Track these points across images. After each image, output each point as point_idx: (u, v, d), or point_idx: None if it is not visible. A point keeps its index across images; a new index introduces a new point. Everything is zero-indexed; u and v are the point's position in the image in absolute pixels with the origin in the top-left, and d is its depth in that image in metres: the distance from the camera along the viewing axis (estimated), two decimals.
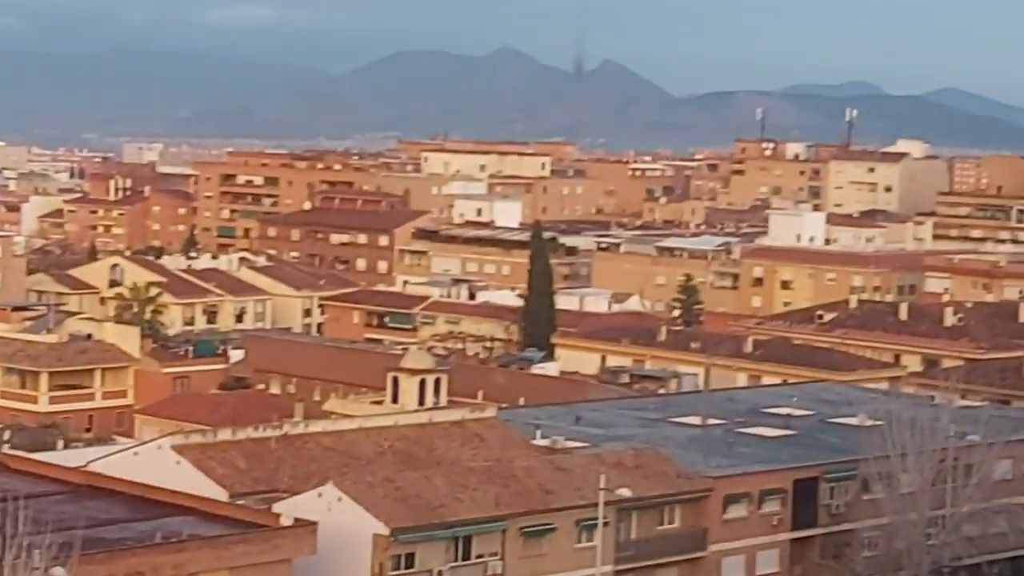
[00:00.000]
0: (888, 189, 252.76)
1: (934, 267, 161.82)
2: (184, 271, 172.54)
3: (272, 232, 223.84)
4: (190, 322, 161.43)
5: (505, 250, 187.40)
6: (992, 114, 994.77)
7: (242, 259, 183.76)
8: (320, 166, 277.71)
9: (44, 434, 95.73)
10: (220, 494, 63.13)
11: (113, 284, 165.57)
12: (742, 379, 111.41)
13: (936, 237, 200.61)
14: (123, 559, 54.73)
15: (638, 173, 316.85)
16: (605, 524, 65.57)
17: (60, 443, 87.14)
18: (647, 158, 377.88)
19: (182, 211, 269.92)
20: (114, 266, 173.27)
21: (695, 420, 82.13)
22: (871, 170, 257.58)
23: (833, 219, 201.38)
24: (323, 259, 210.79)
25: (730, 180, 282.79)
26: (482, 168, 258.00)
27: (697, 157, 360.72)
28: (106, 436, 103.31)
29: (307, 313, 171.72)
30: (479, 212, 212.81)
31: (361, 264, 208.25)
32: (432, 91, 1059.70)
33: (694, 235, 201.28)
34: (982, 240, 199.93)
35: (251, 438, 67.94)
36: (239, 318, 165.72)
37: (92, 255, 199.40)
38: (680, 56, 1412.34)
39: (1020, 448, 79.51)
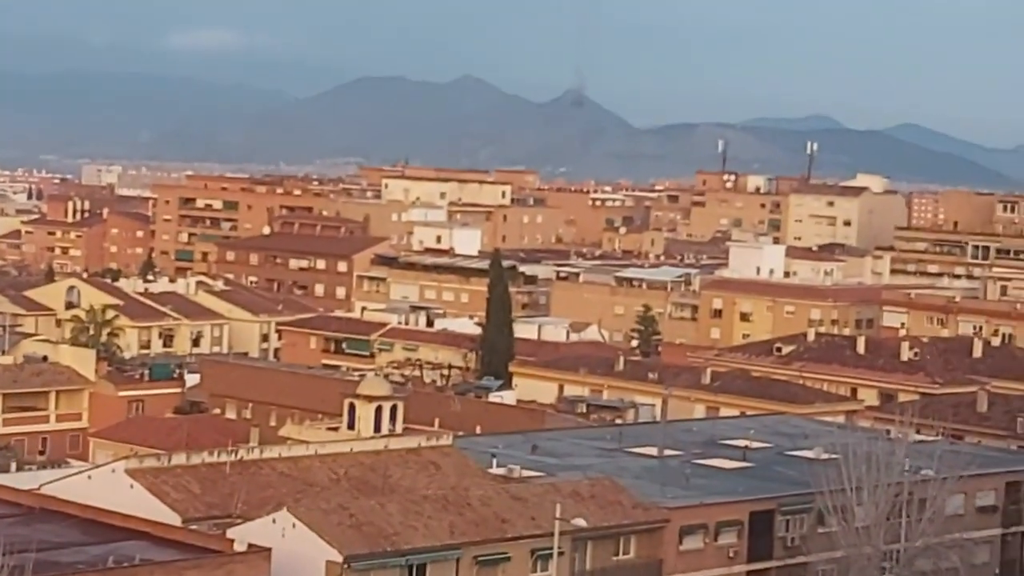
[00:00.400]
0: (847, 223, 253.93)
1: (891, 301, 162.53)
2: (141, 294, 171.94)
3: (230, 256, 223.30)
4: (146, 345, 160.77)
5: (464, 278, 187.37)
6: (950, 150, 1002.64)
7: (200, 283, 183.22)
8: (280, 191, 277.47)
9: None
10: (174, 519, 62.75)
11: (69, 306, 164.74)
12: (700, 410, 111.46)
13: (894, 272, 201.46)
14: None
15: (598, 203, 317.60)
16: (560, 554, 65.40)
17: (13, 465, 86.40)
18: (608, 188, 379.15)
19: (140, 234, 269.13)
20: (71, 288, 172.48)
21: (652, 451, 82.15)
22: (831, 204, 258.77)
23: (792, 252, 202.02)
24: (281, 284, 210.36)
25: (690, 212, 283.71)
26: (442, 195, 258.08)
27: (658, 188, 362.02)
28: (60, 459, 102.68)
29: (264, 338, 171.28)
30: (438, 239, 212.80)
31: (319, 290, 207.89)
32: (393, 118, 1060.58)
33: (653, 266, 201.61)
34: (939, 275, 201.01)
35: (206, 463, 67.58)
36: (196, 342, 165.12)
37: (49, 277, 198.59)
38: (642, 88, 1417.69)
39: (972, 483, 79.76)
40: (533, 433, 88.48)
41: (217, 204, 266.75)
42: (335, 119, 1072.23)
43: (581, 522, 65.80)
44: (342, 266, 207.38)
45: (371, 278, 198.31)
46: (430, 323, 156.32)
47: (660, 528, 70.00)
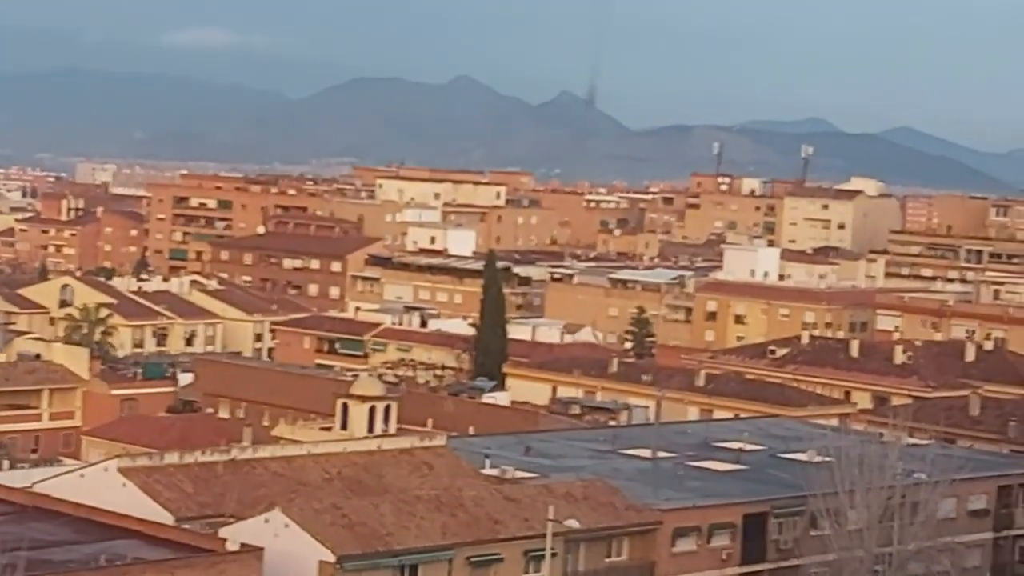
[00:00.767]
0: (841, 226, 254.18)
1: (885, 305, 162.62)
2: (135, 293, 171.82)
3: (224, 256, 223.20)
4: (140, 344, 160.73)
5: (458, 279, 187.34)
6: (944, 154, 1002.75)
7: (194, 282, 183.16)
8: (274, 191, 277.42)
9: None
10: (166, 518, 62.71)
11: (63, 304, 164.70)
12: (693, 413, 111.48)
13: (888, 275, 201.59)
14: None
15: (593, 205, 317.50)
16: (553, 555, 65.41)
17: (6, 463, 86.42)
18: (602, 190, 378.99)
19: (134, 233, 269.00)
20: (64, 286, 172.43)
21: (645, 453, 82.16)
22: (825, 207, 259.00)
23: (787, 255, 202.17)
24: (275, 284, 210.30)
25: (685, 214, 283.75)
26: (436, 196, 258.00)
27: (652, 190, 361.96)
28: (52, 457, 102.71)
29: (258, 337, 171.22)
30: (433, 240, 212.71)
31: (313, 290, 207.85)
32: (388, 118, 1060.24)
33: (648, 268, 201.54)
34: (932, 279, 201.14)
35: (198, 462, 67.54)
36: (189, 341, 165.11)
37: (43, 275, 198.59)
38: (638, 90, 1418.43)
39: (964, 487, 79.88)
40: (526, 434, 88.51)
41: (211, 203, 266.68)
42: (330, 119, 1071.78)
43: (574, 523, 65.78)
44: (336, 266, 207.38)
45: (365, 278, 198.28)
46: (424, 324, 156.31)
47: (653, 530, 70.02)
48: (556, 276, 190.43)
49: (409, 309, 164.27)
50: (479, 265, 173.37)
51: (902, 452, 76.62)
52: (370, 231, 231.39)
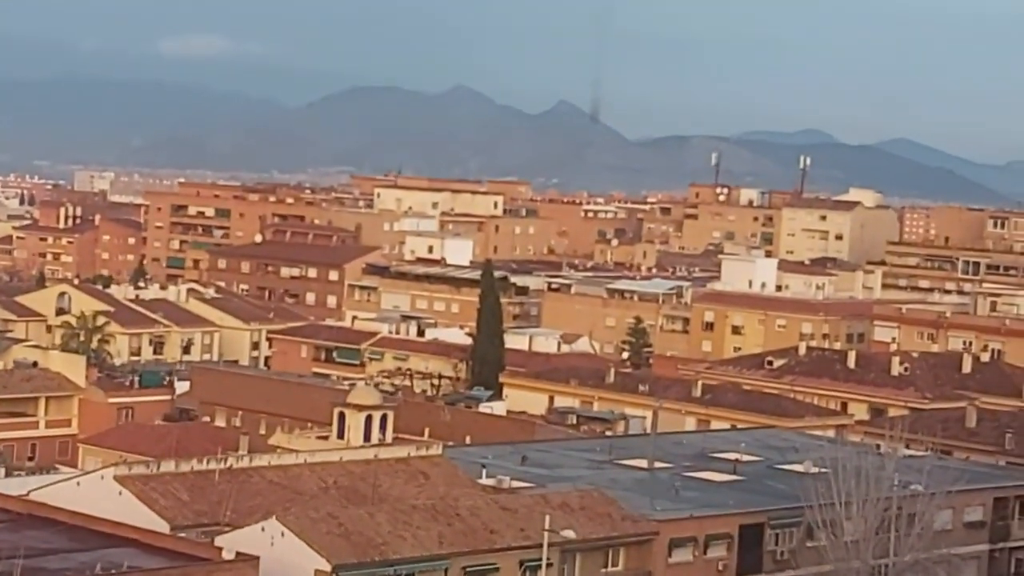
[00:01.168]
0: (839, 237, 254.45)
1: (882, 316, 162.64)
2: (132, 301, 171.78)
3: (222, 264, 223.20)
4: (137, 352, 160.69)
5: (455, 288, 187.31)
6: (942, 165, 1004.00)
7: (191, 290, 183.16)
8: (272, 199, 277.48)
9: None
10: (162, 526, 62.66)
11: (60, 312, 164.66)
12: (690, 423, 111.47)
13: (885, 286, 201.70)
14: None
15: (590, 215, 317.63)
16: (549, 565, 65.35)
17: (2, 471, 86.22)
18: (600, 200, 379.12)
19: (132, 241, 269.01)
20: (62, 294, 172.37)
21: (642, 463, 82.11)
22: (823, 218, 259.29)
23: (785, 266, 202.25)
24: (272, 292, 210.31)
25: (683, 224, 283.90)
26: (434, 205, 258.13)
27: (650, 200, 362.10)
28: (49, 465, 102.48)
29: (255, 346, 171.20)
30: (430, 249, 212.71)
31: (310, 298, 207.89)
32: (386, 127, 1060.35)
33: (645, 278, 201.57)
34: (929, 290, 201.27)
35: (195, 470, 67.49)
36: (186, 349, 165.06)
37: (40, 282, 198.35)
38: (636, 100, 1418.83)
39: (961, 498, 79.86)
40: (523, 444, 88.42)
41: (209, 212, 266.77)
42: (327, 128, 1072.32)
43: (570, 534, 65.75)
44: (333, 275, 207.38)
45: (362, 287, 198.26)
46: (421, 333, 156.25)
47: (649, 541, 69.96)
48: (553, 286, 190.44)
49: (406, 318, 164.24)
50: (476, 274, 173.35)
51: (899, 464, 76.61)
52: (367, 240, 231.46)
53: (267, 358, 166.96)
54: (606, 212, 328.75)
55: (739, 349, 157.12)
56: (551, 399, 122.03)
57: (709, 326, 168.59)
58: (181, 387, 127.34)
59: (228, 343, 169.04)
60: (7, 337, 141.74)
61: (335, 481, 69.67)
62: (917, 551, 74.30)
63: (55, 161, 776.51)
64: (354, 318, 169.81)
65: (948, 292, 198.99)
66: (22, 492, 67.69)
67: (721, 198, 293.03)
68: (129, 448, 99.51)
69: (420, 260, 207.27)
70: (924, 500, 74.87)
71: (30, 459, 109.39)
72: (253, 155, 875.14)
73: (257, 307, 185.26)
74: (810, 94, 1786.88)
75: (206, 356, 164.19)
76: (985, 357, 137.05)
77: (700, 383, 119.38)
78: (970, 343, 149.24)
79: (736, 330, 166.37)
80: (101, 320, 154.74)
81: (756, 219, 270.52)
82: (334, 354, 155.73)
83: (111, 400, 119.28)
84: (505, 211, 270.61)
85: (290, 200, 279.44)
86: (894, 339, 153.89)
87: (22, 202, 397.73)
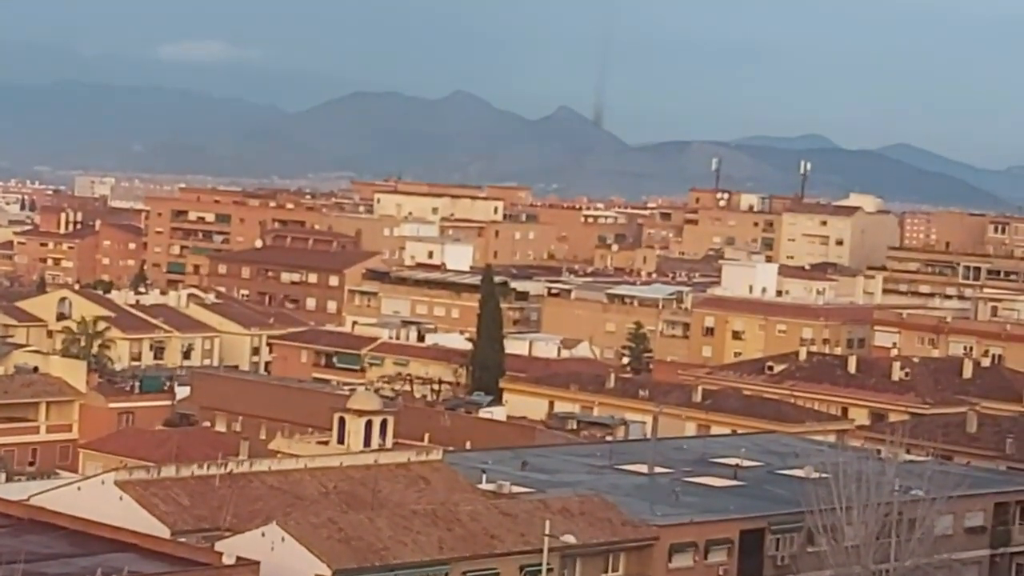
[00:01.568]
0: (840, 242, 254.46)
1: (883, 321, 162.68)
2: (133, 306, 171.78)
3: (222, 269, 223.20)
4: (137, 357, 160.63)
5: (455, 293, 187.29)
6: (943, 170, 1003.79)
7: (191, 295, 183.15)
8: (272, 205, 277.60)
9: None
10: (162, 531, 62.66)
11: (61, 317, 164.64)
12: (691, 428, 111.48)
13: (886, 291, 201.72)
14: None
15: (591, 220, 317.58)
16: (549, 570, 65.33)
17: (3, 476, 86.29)
18: (600, 205, 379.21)
19: (132, 246, 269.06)
20: (62, 299, 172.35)
21: (642, 468, 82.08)
22: (823, 223, 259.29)
23: (785, 271, 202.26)
24: (273, 298, 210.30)
25: (683, 229, 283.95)
26: (434, 211, 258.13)
27: (650, 206, 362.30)
28: (50, 470, 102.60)
29: (255, 351, 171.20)
30: (430, 255, 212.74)
31: (311, 304, 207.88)
32: (386, 133, 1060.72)
33: (645, 283, 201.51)
34: (930, 295, 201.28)
35: (195, 475, 67.49)
36: (187, 355, 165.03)
37: (41, 288, 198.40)
38: (636, 105, 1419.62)
39: (961, 504, 79.79)
40: (523, 449, 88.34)
41: (209, 217, 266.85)
42: (328, 133, 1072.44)
43: (570, 539, 65.72)
44: (334, 280, 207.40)
45: (362, 292, 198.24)
46: (421, 338, 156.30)
47: (650, 546, 69.94)
48: (553, 291, 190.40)
49: (406, 323, 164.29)
50: (476, 280, 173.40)
51: (899, 469, 76.59)
52: (368, 245, 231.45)
53: (267, 363, 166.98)
54: (606, 217, 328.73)
55: (739, 354, 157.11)
56: (551, 404, 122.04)
57: (709, 331, 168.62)
58: (181, 392, 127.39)
59: (228, 348, 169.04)
60: (8, 342, 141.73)
61: (335, 486, 69.67)
62: (918, 556, 74.25)
63: (56, 166, 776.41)
64: (354, 323, 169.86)
65: (949, 297, 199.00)
66: (23, 497, 67.70)
67: (721, 203, 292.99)
68: (130, 453, 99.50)
69: (420, 265, 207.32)
70: (925, 505, 74.82)
71: (31, 464, 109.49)
72: (253, 160, 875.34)
73: (257, 312, 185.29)
74: (811, 99, 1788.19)
75: (206, 361, 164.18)
76: (986, 362, 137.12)
77: (700, 388, 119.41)
78: (971, 348, 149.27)
79: (736, 335, 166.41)
80: (102, 325, 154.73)
81: (756, 224, 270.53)
82: (334, 359, 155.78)
83: (112, 405, 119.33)
84: (505, 216, 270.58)
85: (290, 205, 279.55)
86: (895, 344, 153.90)
87: (23, 207, 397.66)
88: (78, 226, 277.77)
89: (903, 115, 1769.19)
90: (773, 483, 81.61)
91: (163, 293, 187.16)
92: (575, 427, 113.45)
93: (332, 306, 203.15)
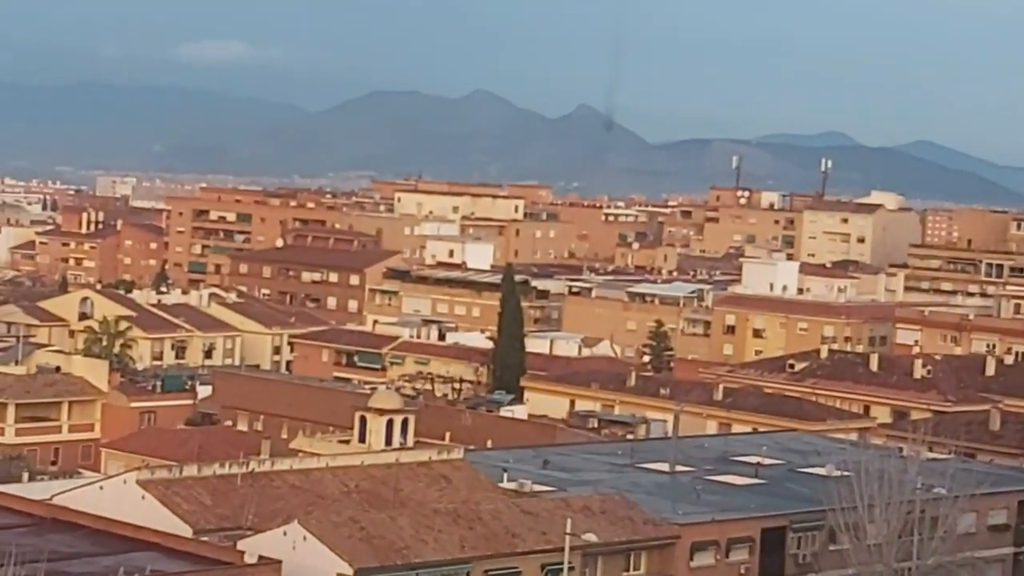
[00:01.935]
0: (861, 240, 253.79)
1: (905, 319, 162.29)
2: (154, 306, 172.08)
3: (243, 269, 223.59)
4: (159, 357, 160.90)
5: (476, 292, 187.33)
6: (964, 167, 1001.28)
7: (212, 295, 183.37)
8: (293, 204, 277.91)
9: (9, 466, 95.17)
10: (185, 530, 62.75)
11: (83, 317, 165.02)
12: (712, 427, 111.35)
13: (907, 289, 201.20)
14: None
15: (611, 218, 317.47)
16: (570, 569, 65.29)
17: (25, 475, 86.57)
18: (621, 203, 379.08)
19: (154, 246, 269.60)
20: (84, 299, 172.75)
21: (663, 467, 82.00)
22: (845, 221, 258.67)
23: (806, 269, 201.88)
24: (294, 297, 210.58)
25: (704, 227, 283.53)
26: (455, 210, 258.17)
27: (671, 204, 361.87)
28: (72, 469, 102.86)
29: (276, 350, 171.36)
30: (451, 253, 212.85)
31: (332, 303, 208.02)
32: (406, 132, 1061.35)
33: (666, 281, 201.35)
34: (952, 293, 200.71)
35: (217, 475, 67.59)
36: (208, 354, 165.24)
37: (63, 287, 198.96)
38: (656, 103, 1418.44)
39: (984, 502, 79.61)
40: (544, 448, 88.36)
41: (230, 216, 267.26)
42: (348, 132, 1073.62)
43: (592, 537, 65.69)
44: (354, 279, 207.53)
45: (383, 291, 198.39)
46: (442, 337, 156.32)
47: (671, 544, 69.86)
48: (574, 290, 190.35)
49: (427, 322, 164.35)
50: (497, 278, 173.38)
51: (922, 467, 76.41)
52: (388, 244, 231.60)
53: (288, 362, 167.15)
54: (627, 216, 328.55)
55: (760, 352, 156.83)
56: (572, 403, 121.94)
57: (730, 329, 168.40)
58: (203, 391, 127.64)
59: (250, 347, 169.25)
60: (30, 342, 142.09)
61: (357, 485, 69.71)
62: (940, 555, 74.08)
63: (77, 167, 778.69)
64: (375, 322, 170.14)
65: (971, 295, 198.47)
66: (45, 496, 67.86)
67: (742, 201, 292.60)
68: (151, 452, 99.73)
69: (441, 264, 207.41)
70: (947, 503, 74.64)
71: (53, 463, 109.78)
72: (274, 160, 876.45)
73: (278, 312, 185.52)
74: (831, 97, 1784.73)
75: (228, 361, 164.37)
76: (1009, 360, 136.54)
77: (721, 386, 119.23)
78: (993, 345, 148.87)
79: (757, 333, 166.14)
80: (123, 325, 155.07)
81: (777, 222, 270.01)
82: (355, 358, 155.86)
83: (133, 405, 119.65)
84: (526, 215, 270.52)
85: (311, 205, 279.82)
86: (916, 342, 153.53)
87: (44, 207, 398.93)
88: (100, 226, 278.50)
89: (924, 112, 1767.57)
90: (794, 481, 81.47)
91: (184, 293, 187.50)
92: (596, 426, 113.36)
93: (353, 305, 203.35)
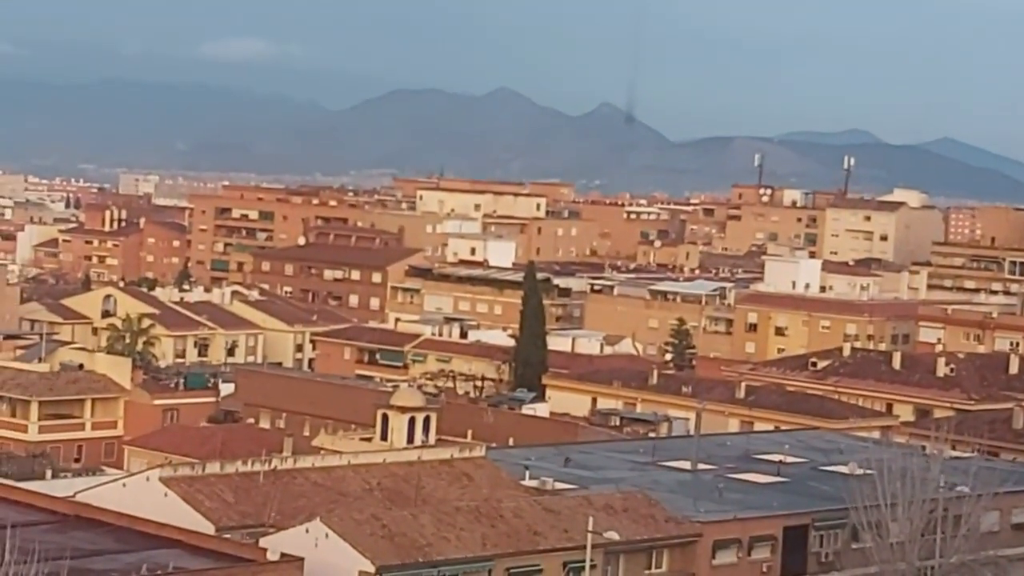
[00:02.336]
0: (884, 238, 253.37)
1: (928, 317, 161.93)
2: (177, 303, 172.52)
3: (266, 266, 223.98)
4: (181, 355, 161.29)
5: (498, 290, 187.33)
6: (988, 165, 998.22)
7: (235, 293, 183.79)
8: (315, 202, 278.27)
9: (33, 463, 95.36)
10: (207, 527, 62.87)
11: (106, 315, 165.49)
12: (734, 425, 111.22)
13: (930, 287, 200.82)
14: None
15: (633, 216, 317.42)
16: (592, 567, 65.28)
17: (49, 473, 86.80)
18: (643, 201, 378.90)
19: (176, 243, 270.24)
20: (107, 297, 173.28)
21: (685, 465, 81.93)
22: (867, 218, 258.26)
23: (829, 267, 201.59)
24: (316, 294, 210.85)
25: (726, 225, 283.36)
26: (477, 207, 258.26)
27: (693, 202, 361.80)
28: (95, 466, 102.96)
29: (299, 348, 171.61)
30: (473, 251, 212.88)
31: (354, 300, 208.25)
32: (428, 129, 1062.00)
33: (688, 279, 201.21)
34: (975, 291, 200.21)
35: (239, 472, 67.71)
36: (230, 351, 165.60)
37: (86, 285, 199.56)
38: (678, 101, 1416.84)
39: (1007, 500, 79.40)
40: (566, 446, 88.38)
41: (253, 214, 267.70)
42: (370, 130, 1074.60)
43: (614, 535, 65.66)
44: (376, 277, 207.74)
45: (405, 289, 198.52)
46: (464, 335, 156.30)
47: (693, 542, 69.81)
48: (596, 287, 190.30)
49: (449, 320, 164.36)
50: (519, 276, 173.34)
51: (945, 465, 76.22)
52: (410, 242, 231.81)
53: (311, 360, 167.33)
54: (649, 213, 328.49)
55: (783, 350, 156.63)
56: (594, 401, 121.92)
57: (752, 327, 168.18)
58: (226, 389, 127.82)
59: (272, 345, 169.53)
60: (53, 340, 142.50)
61: (379, 483, 69.78)
62: (963, 553, 73.89)
63: (100, 164, 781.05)
64: (397, 320, 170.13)
65: (994, 293, 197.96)
66: (69, 493, 68.08)
67: (764, 199, 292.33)
68: (174, 450, 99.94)
69: (463, 262, 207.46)
70: (970, 501, 74.43)
71: (76, 460, 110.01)
72: (296, 158, 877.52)
73: (301, 309, 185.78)
74: (854, 94, 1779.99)
75: (250, 358, 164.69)
76: None
77: (743, 384, 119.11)
78: (1017, 344, 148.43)
79: (780, 331, 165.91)
80: (146, 322, 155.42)
81: (800, 220, 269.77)
82: (377, 356, 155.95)
83: (156, 402, 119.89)
84: (547, 213, 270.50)
85: (333, 203, 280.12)
86: (939, 340, 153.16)
87: (68, 205, 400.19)
88: (122, 224, 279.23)
89: (947, 109, 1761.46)
90: (817, 479, 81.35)
91: (207, 290, 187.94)
92: (618, 423, 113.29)
93: (375, 303, 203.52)
